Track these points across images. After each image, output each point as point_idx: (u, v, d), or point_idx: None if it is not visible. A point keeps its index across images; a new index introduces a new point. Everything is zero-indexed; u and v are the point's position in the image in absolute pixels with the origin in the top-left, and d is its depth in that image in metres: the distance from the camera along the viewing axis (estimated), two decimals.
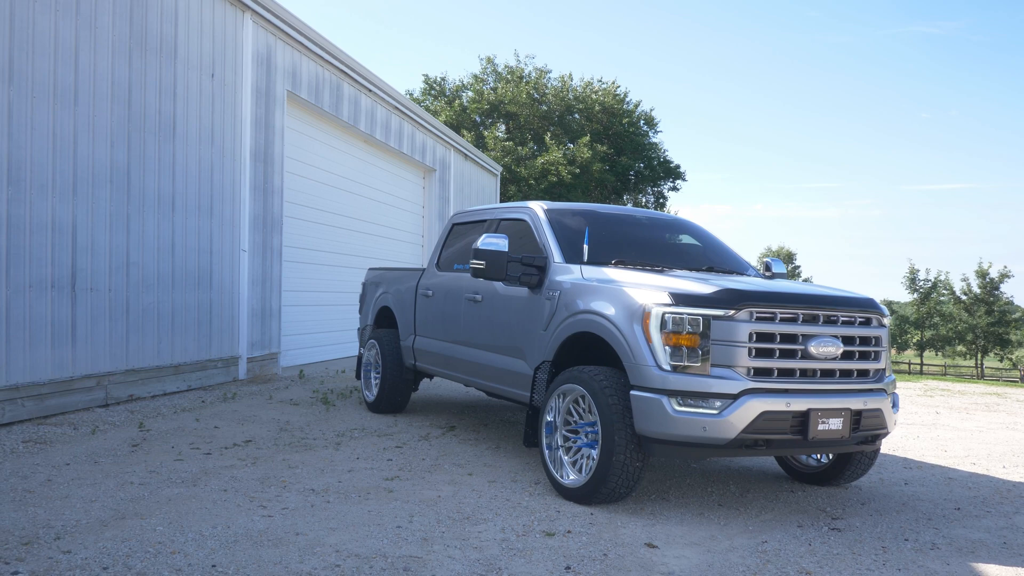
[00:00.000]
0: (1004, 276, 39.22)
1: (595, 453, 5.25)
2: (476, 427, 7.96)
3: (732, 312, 4.94)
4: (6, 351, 6.89)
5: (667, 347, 4.93)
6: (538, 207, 6.69)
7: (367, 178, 15.16)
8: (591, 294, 5.52)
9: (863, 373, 5.34)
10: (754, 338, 4.95)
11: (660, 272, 5.73)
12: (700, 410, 4.85)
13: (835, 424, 5.05)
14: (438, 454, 6.61)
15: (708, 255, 6.86)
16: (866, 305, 5.43)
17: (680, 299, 4.98)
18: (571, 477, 5.39)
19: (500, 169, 24.81)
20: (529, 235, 6.54)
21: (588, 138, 31.62)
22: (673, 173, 37.17)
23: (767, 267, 7.07)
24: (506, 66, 35.09)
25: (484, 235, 6.25)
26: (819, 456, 6.18)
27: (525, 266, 6.15)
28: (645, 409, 4.93)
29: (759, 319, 4.98)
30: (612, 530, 4.74)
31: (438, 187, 18.76)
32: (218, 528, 4.41)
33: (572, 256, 6.09)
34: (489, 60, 35.32)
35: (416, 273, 8.34)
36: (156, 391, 8.80)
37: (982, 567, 4.39)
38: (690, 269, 6.29)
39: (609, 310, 5.27)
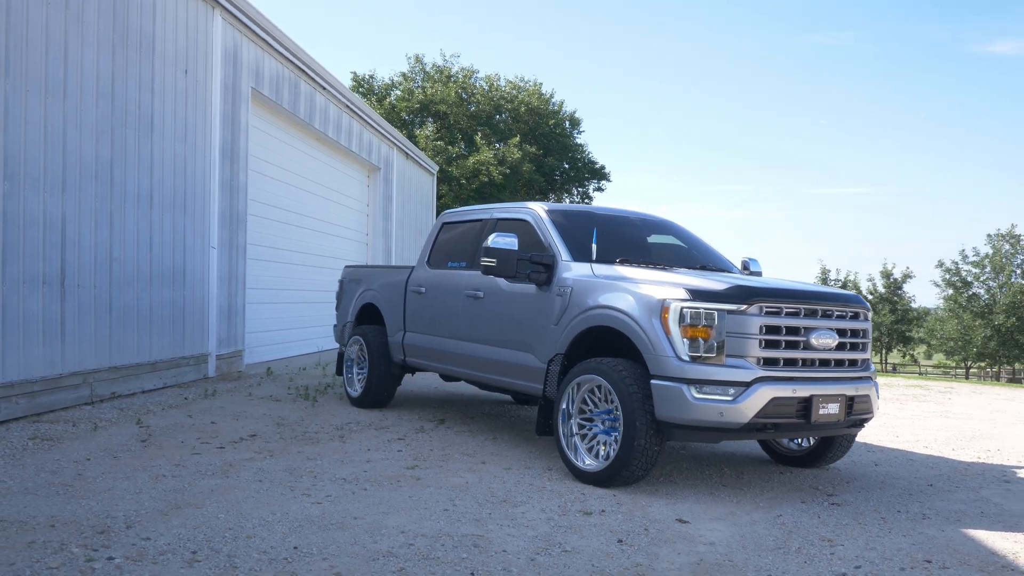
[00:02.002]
0: (906, 276, 41.55)
1: (611, 439, 5.61)
2: (464, 420, 8.22)
3: (744, 307, 5.36)
4: (2, 348, 6.82)
5: (685, 339, 5.32)
6: (540, 208, 7.00)
7: (319, 175, 15.18)
8: (606, 290, 5.87)
9: (853, 362, 5.85)
10: (763, 331, 5.39)
11: (666, 270, 6.13)
12: (717, 397, 5.25)
13: (833, 409, 5.53)
14: (442, 445, 6.85)
15: (698, 254, 7.30)
16: (855, 301, 5.95)
17: (697, 295, 5.38)
18: (588, 462, 5.72)
19: (437, 168, 24.99)
20: (531, 235, 6.83)
21: (518, 139, 32.06)
22: (598, 174, 37.96)
23: (745, 266, 7.57)
24: (434, 65, 35.27)
25: (494, 234, 6.53)
26: (800, 440, 6.68)
27: (534, 264, 6.45)
28: (666, 397, 5.30)
29: (767, 313, 5.42)
30: (640, 509, 5.09)
31: (382, 185, 18.85)
32: (277, 515, 4.58)
33: (579, 255, 6.42)
34: (417, 59, 35.43)
35: (404, 270, 8.54)
36: (135, 388, 8.75)
37: (971, 532, 4.92)
38: (687, 267, 6.71)
39: (627, 305, 5.62)
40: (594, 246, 6.37)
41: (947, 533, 4.87)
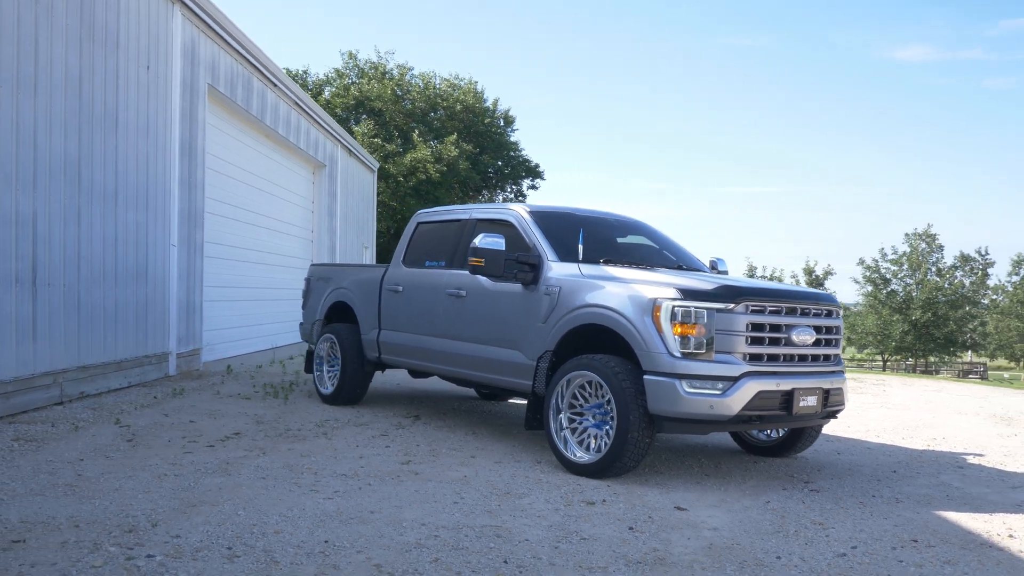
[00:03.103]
0: (828, 273, 43.07)
1: (602, 432, 5.85)
2: (439, 416, 8.36)
3: (732, 305, 5.66)
4: None
5: (677, 336, 5.58)
6: (522, 209, 7.18)
7: (268, 172, 15.06)
8: (595, 290, 6.09)
9: (827, 357, 6.21)
10: (749, 328, 5.69)
11: (652, 270, 6.40)
12: (707, 391, 5.53)
13: (812, 401, 5.88)
14: (427, 441, 6.98)
15: (670, 254, 7.58)
16: (829, 300, 6.32)
17: (688, 294, 5.65)
18: (580, 454, 5.94)
19: (377, 165, 24.92)
20: (515, 235, 7.00)
21: (455, 136, 32.15)
22: (532, 172, 38.29)
23: (713, 265, 7.90)
24: (368, 61, 35.04)
25: (482, 235, 6.70)
26: (769, 432, 7.03)
27: (520, 264, 6.63)
28: (659, 391, 5.55)
29: (753, 311, 5.73)
30: (638, 498, 5.34)
31: (327, 182, 18.75)
32: (294, 511, 4.67)
33: (565, 255, 6.63)
34: (351, 55, 35.12)
35: (378, 269, 8.61)
36: (102, 388, 8.63)
37: (943, 514, 5.30)
38: (665, 267, 6.99)
39: (619, 304, 5.86)
40: (580, 247, 6.59)
41: (922, 515, 5.25)
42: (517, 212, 7.18)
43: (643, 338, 5.67)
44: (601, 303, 5.99)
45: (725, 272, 7.87)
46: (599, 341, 6.24)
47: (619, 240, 7.49)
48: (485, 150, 36.13)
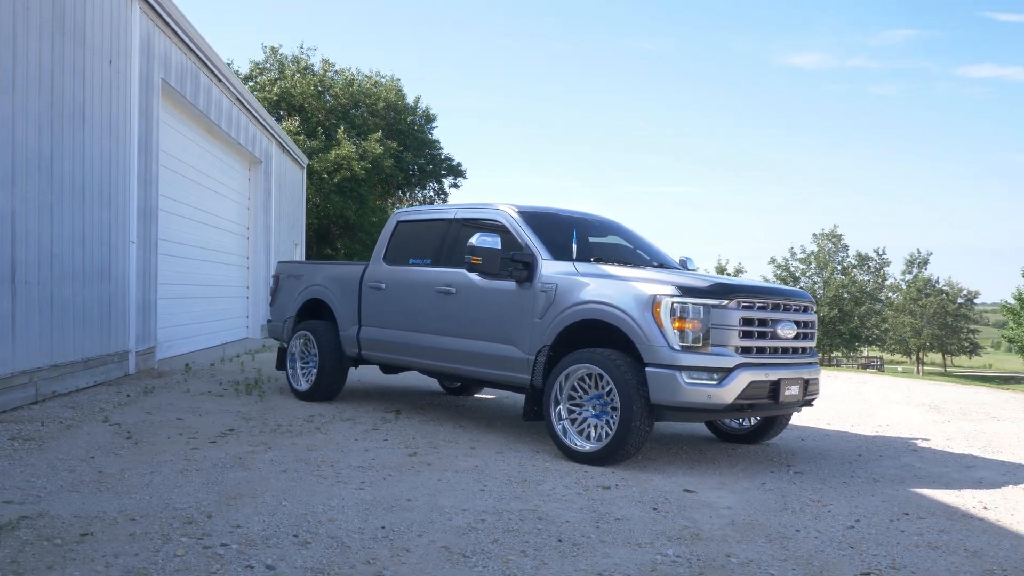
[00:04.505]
0: (739, 272, 44.68)
1: (602, 422, 6.19)
2: (418, 411, 8.55)
3: (726, 302, 6.07)
4: None
5: (676, 331, 5.96)
6: (510, 209, 7.44)
7: (210, 168, 14.87)
8: (593, 287, 6.41)
9: (805, 350, 6.70)
10: (741, 322, 6.11)
11: (642, 268, 6.76)
12: (705, 382, 5.92)
13: (795, 390, 6.35)
14: (421, 434, 7.17)
15: (644, 252, 7.96)
16: (806, 297, 6.81)
17: (686, 291, 6.03)
18: (581, 443, 6.25)
19: (307, 161, 24.70)
20: (505, 235, 7.25)
21: (380, 134, 32.04)
22: (454, 171, 38.45)
23: (684, 264, 8.33)
24: (293, 57, 34.51)
25: (478, 234, 6.94)
26: (740, 421, 7.49)
27: (514, 262, 6.90)
28: (661, 382, 5.92)
29: (744, 307, 6.15)
30: (646, 482, 5.68)
31: (263, 179, 18.56)
32: (335, 501, 4.83)
33: (557, 253, 6.93)
34: (273, 50, 34.54)
35: (357, 266, 8.73)
36: (72, 387, 8.49)
37: (919, 491, 5.83)
38: (650, 266, 7.36)
39: (619, 300, 6.19)
40: (574, 246, 6.91)
41: (902, 492, 5.76)
42: (506, 212, 7.43)
43: (644, 332, 6.02)
44: (601, 300, 6.31)
45: (695, 270, 8.31)
46: (592, 336, 6.57)
47: (594, 240, 7.83)
48: (407, 148, 36.10)
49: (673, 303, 5.97)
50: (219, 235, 15.60)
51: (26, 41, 7.48)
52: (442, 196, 39.18)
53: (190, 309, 13.39)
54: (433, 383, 10.97)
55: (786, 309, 6.49)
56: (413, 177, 37.78)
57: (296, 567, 3.69)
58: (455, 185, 39.17)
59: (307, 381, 8.90)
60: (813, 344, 6.86)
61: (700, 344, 5.97)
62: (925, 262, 54.50)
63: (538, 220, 7.37)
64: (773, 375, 6.18)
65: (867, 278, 43.84)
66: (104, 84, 9.33)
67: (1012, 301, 46.09)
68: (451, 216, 7.93)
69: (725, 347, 6.04)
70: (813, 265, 42.98)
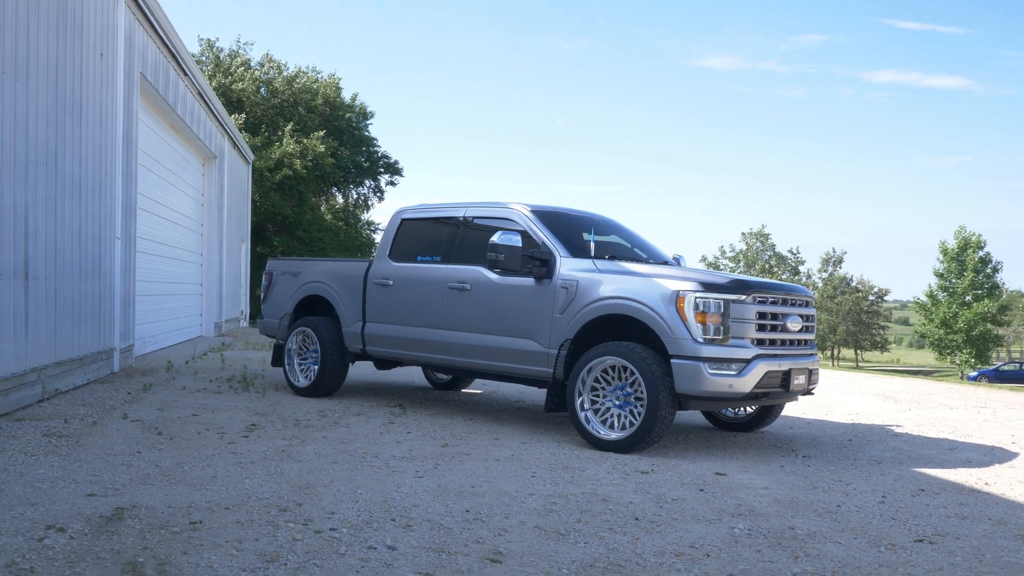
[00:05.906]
0: None
1: (626, 412, 6.53)
2: (422, 406, 8.75)
3: (744, 297, 6.49)
4: None
5: (699, 324, 6.34)
6: (523, 208, 7.71)
7: (172, 164, 14.70)
8: (616, 283, 6.76)
9: (807, 342, 7.18)
10: (757, 316, 6.53)
11: (658, 264, 7.13)
12: (726, 372, 6.33)
13: (802, 379, 6.81)
14: (438, 427, 7.39)
15: (642, 250, 8.33)
16: (807, 293, 7.29)
17: (707, 287, 6.42)
18: (606, 432, 6.58)
19: (252, 157, 24.43)
20: (521, 233, 7.52)
21: (323, 132, 31.84)
22: (391, 168, 38.40)
23: (677, 261, 8.75)
24: (231, 51, 33.92)
25: (499, 232, 7.20)
26: (735, 410, 7.94)
27: (533, 260, 7.19)
28: (686, 373, 6.29)
29: (759, 302, 6.58)
30: (677, 467, 6.05)
31: (216, 175, 18.37)
32: (403, 488, 5.04)
33: (575, 251, 7.24)
34: (209, 43, 33.88)
35: (360, 263, 8.86)
36: (70, 384, 8.41)
37: (920, 470, 6.34)
38: (657, 263, 7.74)
39: (644, 296, 6.55)
40: (592, 244, 7.23)
41: (908, 472, 6.26)
42: (520, 211, 7.70)
43: (669, 326, 6.39)
44: (626, 295, 6.65)
45: (686, 267, 8.73)
46: (612, 330, 6.91)
47: (609, 238, 8.16)
48: (343, 144, 35.91)
49: (696, 298, 6.36)
50: (179, 231, 15.43)
51: (37, 34, 7.41)
52: (378, 194, 39.11)
53: (161, 305, 13.27)
54: (418, 378, 11.16)
55: (793, 304, 6.95)
56: (350, 174, 37.58)
57: (414, 547, 3.91)
58: (392, 183, 39.14)
59: (306, 377, 8.99)
60: (813, 336, 7.35)
61: (721, 337, 6.36)
62: (840, 261, 57.03)
63: (552, 219, 7.67)
64: (784, 365, 6.62)
65: (787, 276, 45.51)
66: (96, 77, 9.23)
67: (924, 298, 48.58)
68: (461, 215, 8.16)
69: (743, 339, 6.46)
70: (742, 263, 44.50)
